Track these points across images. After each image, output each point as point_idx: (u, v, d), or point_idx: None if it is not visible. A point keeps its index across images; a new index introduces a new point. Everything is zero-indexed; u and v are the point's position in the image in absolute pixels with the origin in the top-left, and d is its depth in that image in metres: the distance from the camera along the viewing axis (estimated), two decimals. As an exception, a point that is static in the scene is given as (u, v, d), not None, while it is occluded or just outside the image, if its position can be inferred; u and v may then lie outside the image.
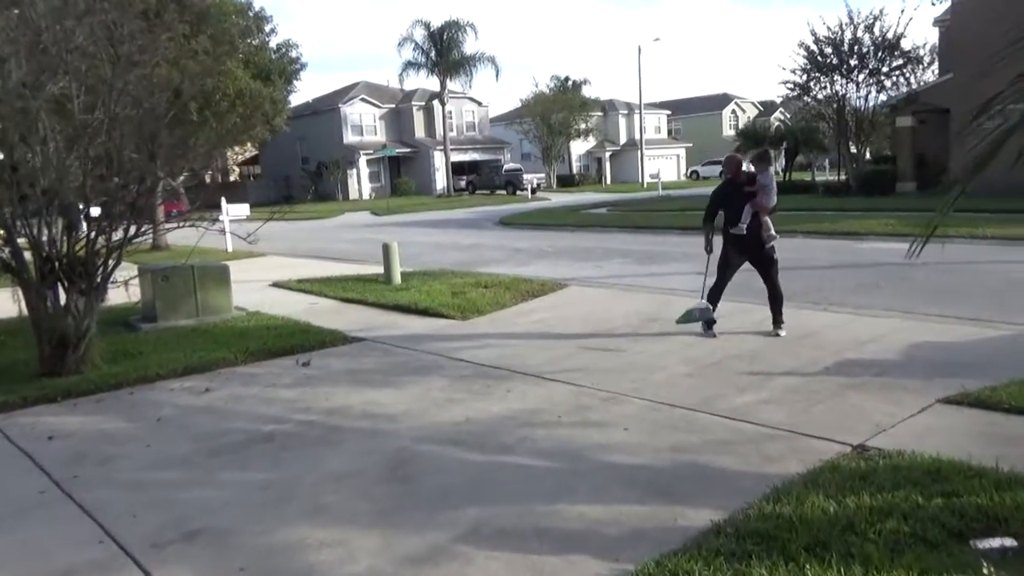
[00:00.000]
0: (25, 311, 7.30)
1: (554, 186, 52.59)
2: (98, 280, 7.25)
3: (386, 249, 12.22)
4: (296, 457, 4.79)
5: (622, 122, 60.40)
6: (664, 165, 55.86)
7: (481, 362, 6.93)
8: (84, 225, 7.29)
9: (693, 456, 4.41)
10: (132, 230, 7.44)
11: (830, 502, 3.49)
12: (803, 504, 3.48)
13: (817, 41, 28.21)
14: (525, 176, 45.90)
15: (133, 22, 6.41)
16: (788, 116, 46.01)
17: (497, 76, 62.48)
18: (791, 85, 29.88)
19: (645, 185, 48.91)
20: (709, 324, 7.50)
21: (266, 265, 16.26)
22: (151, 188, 7.83)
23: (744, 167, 7.82)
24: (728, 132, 62.21)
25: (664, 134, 63.87)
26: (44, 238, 6.96)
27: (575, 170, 57.78)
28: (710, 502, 3.71)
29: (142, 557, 3.50)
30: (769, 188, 7.40)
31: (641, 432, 4.85)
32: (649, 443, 4.64)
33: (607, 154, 59.93)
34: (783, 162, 37.66)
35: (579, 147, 58.07)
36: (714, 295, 7.56)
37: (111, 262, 7.33)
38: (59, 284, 7.13)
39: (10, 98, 6.33)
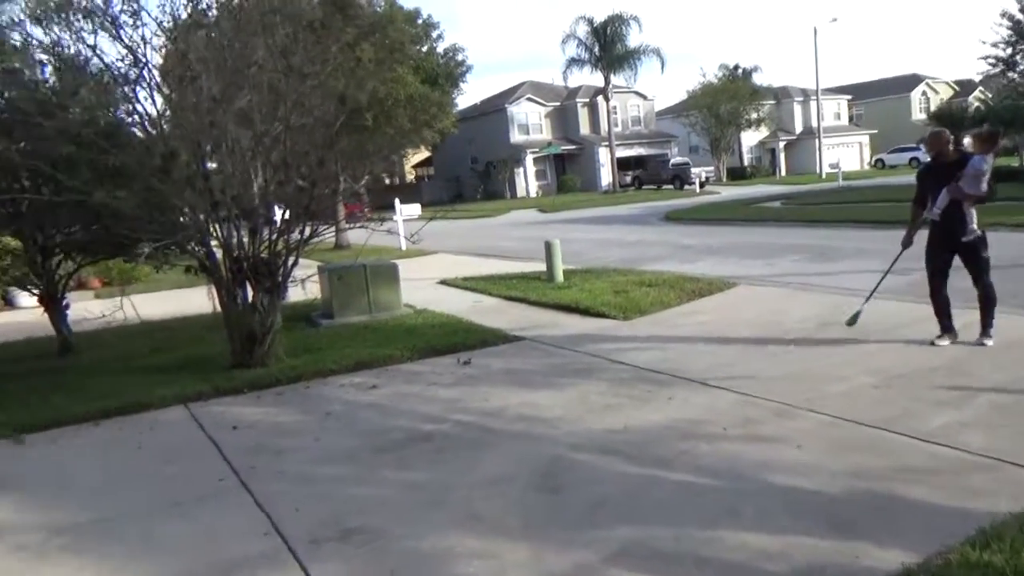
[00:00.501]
0: (219, 308, 7.96)
1: (724, 179, 50.57)
2: (280, 279, 7.75)
3: (548, 247, 12.18)
4: (452, 459, 4.80)
5: (797, 109, 56.91)
6: (844, 154, 51.94)
7: (642, 365, 6.67)
8: (267, 228, 7.81)
9: (878, 483, 3.91)
10: (308, 232, 7.89)
11: (1054, 551, 2.94)
12: (1020, 554, 2.95)
13: None
14: (693, 170, 44.50)
15: (304, 35, 6.75)
16: (989, 95, 41.18)
17: (662, 68, 61.43)
18: (992, 60, 26.69)
19: (824, 176, 45.71)
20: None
21: (435, 263, 16.82)
22: (331, 192, 8.26)
23: (964, 144, 6.87)
24: (918, 115, 56.79)
25: (844, 120, 59.43)
26: (233, 240, 7.54)
27: (746, 162, 55.20)
28: (899, 541, 3.25)
29: (302, 553, 3.62)
30: (980, 173, 6.41)
31: (817, 451, 4.40)
32: (826, 465, 4.19)
33: (781, 144, 56.70)
34: (986, 146, 33.67)
35: (750, 138, 55.42)
36: (933, 298, 6.74)
37: (291, 262, 7.81)
38: (247, 283, 7.69)
39: (202, 112, 6.88)
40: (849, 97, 60.04)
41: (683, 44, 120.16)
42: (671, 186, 44.83)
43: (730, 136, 51.47)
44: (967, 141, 6.87)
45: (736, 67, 53.75)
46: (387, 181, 50.63)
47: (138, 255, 8.76)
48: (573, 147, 51.15)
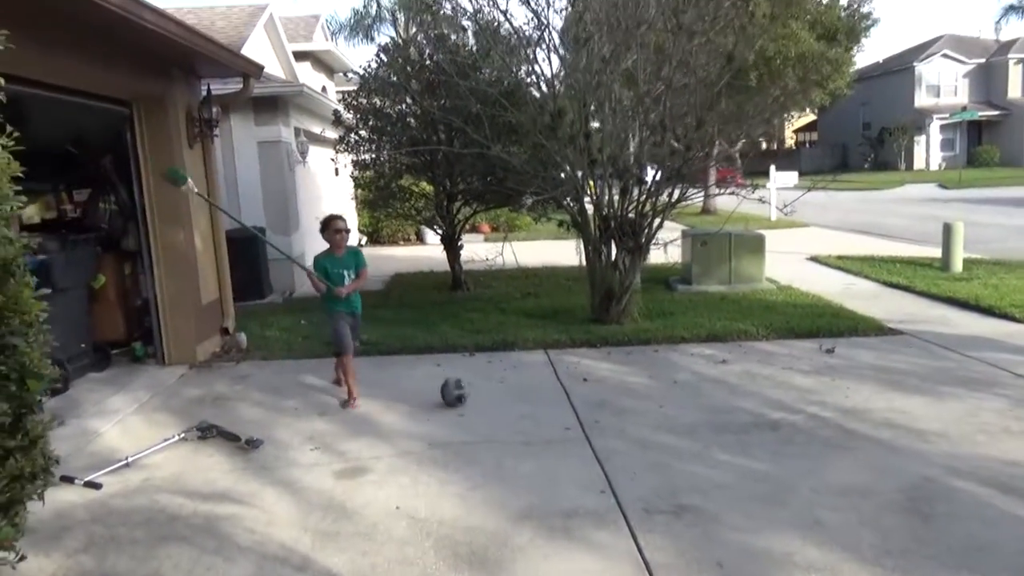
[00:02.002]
0: (584, 263, 8.37)
1: None
2: (643, 240, 7.85)
3: (947, 229, 10.53)
4: (800, 454, 4.43)
5: None
6: None
7: (1061, 389, 5.42)
8: (636, 189, 7.93)
9: None
10: (676, 195, 7.83)
11: None
12: None
13: None
14: None
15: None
16: None
17: None
18: None
19: None
20: None
21: (807, 237, 15.68)
22: (704, 154, 8.09)
23: None
24: None
25: None
26: (604, 199, 7.81)
27: None
28: None
29: (634, 519, 3.65)
30: None
31: None
32: None
33: None
34: None
35: None
36: None
37: (655, 224, 7.86)
38: (611, 241, 7.94)
39: (590, 73, 7.15)
40: None
41: None
42: None
43: None
44: None
45: None
46: (764, 146, 48.32)
47: (522, 206, 9.62)
48: (996, 113, 43.03)
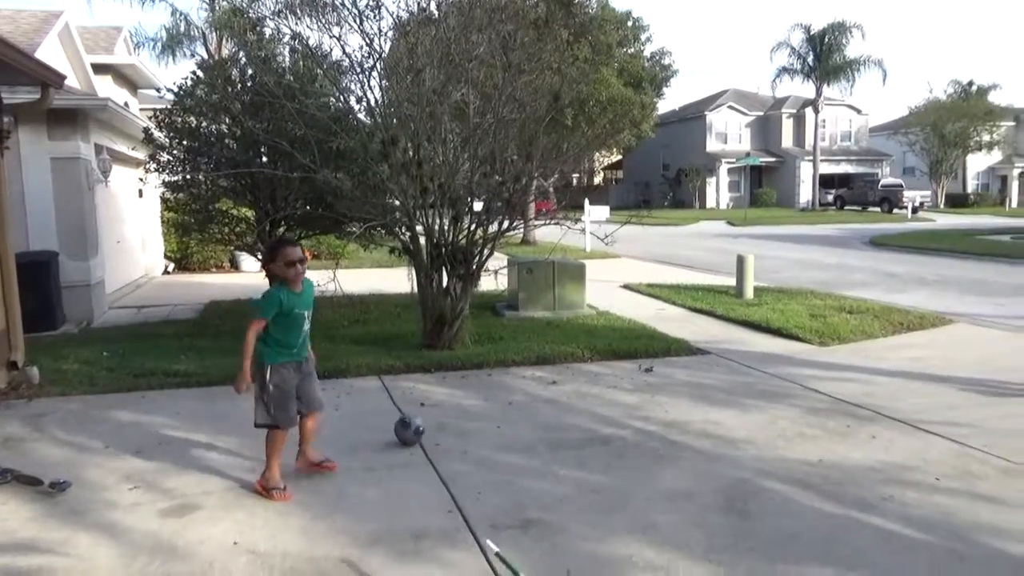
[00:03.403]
0: (415, 289, 8.38)
1: (941, 206, 46.02)
2: (474, 267, 8.02)
3: (740, 261, 11.69)
4: (631, 466, 4.71)
5: (1042, 133, 50.56)
6: (1098, 187, 45.45)
7: (840, 396, 6.20)
8: (467, 217, 8.11)
9: None
10: (506, 224, 8.10)
11: None
12: None
13: None
14: (906, 193, 40.77)
15: (525, 32, 6.92)
16: None
17: (884, 81, 56.87)
18: None
19: (1067, 210, 40.31)
20: None
21: (620, 267, 16.71)
22: (526, 187, 8.44)
23: None
24: None
25: (1101, 149, 51.93)
26: (436, 227, 7.90)
27: (970, 188, 49.88)
28: None
29: (482, 536, 3.69)
30: None
31: (1054, 521, 3.84)
32: (1066, 538, 3.65)
33: (1015, 171, 50.65)
34: None
35: (978, 162, 50.07)
36: None
37: (486, 252, 8.06)
38: (443, 268, 8.03)
39: (422, 104, 7.25)
40: (1108, 123, 52.35)
41: (909, 56, 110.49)
42: (878, 208, 41.46)
43: (954, 159, 46.77)
44: None
45: (970, 83, 48.76)
46: (575, 182, 50.97)
47: (350, 233, 9.46)
48: (772, 159, 48.75)
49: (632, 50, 21.28)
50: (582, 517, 3.92)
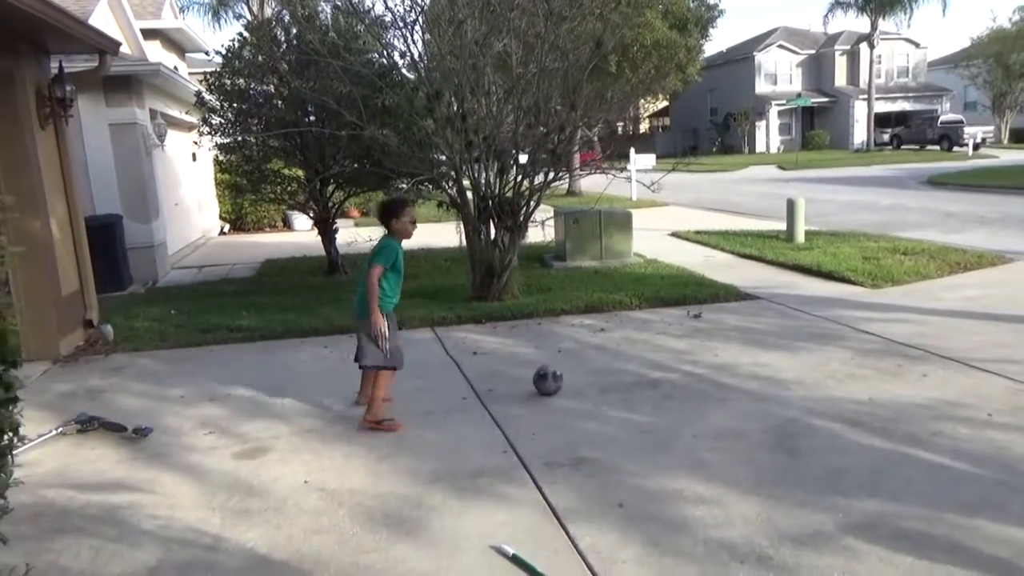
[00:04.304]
0: (464, 242, 8.53)
1: (1005, 141, 43.99)
2: (521, 219, 8.11)
3: (791, 205, 11.52)
4: (679, 407, 4.82)
5: (1119, 60, 47.62)
6: None
7: (891, 337, 6.17)
8: (513, 169, 8.17)
9: None
10: (551, 175, 8.14)
11: None
12: None
13: None
14: (967, 129, 39.03)
15: (567, -23, 6.86)
16: None
17: (944, 11, 53.95)
18: None
19: None
20: None
21: (667, 214, 16.59)
22: (571, 137, 8.45)
23: None
24: None
25: None
26: (482, 179, 7.99)
27: (1038, 122, 47.52)
28: None
29: (537, 473, 3.87)
30: None
31: (1109, 454, 3.84)
32: (1120, 470, 3.65)
33: (1088, 102, 47.95)
34: None
35: (1047, 94, 47.45)
36: None
37: (532, 203, 8.13)
38: (491, 221, 8.14)
39: (465, 56, 7.27)
40: None
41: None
42: (937, 147, 39.86)
43: (1019, 91, 44.43)
44: None
45: (1039, 8, 46.04)
46: (620, 130, 50.23)
47: (399, 189, 9.61)
48: (825, 99, 47.09)
49: (677, -9, 20.74)
50: (632, 455, 4.06)
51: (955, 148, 38.09)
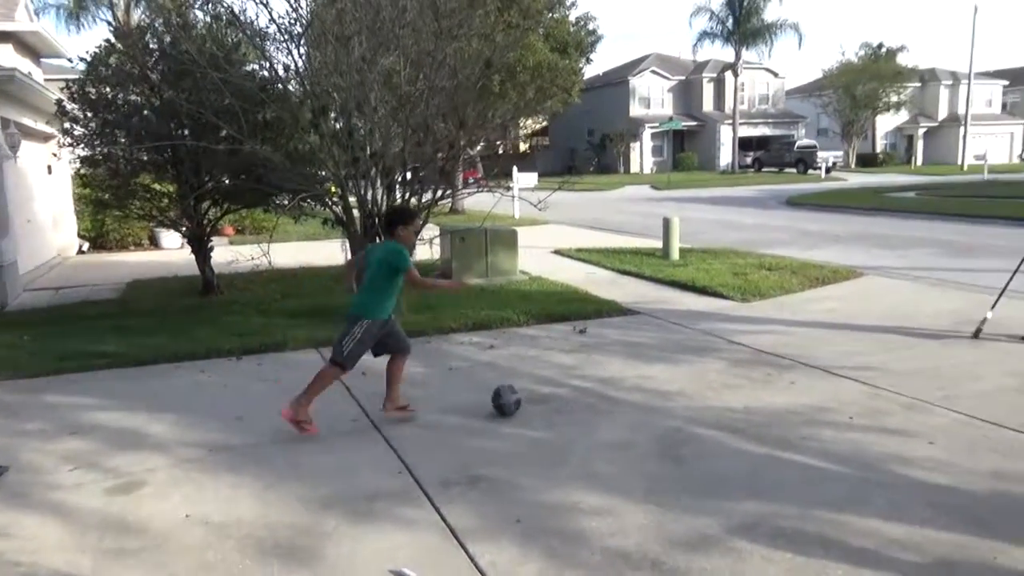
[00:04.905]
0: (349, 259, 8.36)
1: (852, 166, 48.03)
2: (408, 237, 8.04)
3: (666, 224, 12.05)
4: (571, 421, 4.92)
5: (943, 94, 53.10)
6: (993, 144, 48.12)
7: (761, 348, 6.57)
8: (399, 187, 8.11)
9: (1020, 487, 3.75)
10: (438, 193, 8.14)
11: None
12: None
13: None
14: (820, 153, 42.36)
15: (456, -2, 6.92)
16: None
17: (800, 44, 58.44)
18: None
19: (966, 167, 42.66)
20: None
21: (548, 233, 16.92)
22: (457, 155, 8.49)
23: None
24: (1085, 106, 51.74)
25: (997, 108, 54.93)
26: (368, 197, 7.88)
27: (879, 148, 52.19)
28: (1044, 546, 3.13)
29: (433, 493, 3.84)
30: None
31: (951, 449, 4.25)
32: (961, 463, 4.05)
33: (920, 131, 53.17)
34: None
35: (886, 122, 52.28)
36: None
37: (419, 221, 8.08)
38: (377, 238, 8.04)
39: (351, 72, 7.18)
40: (1005, 83, 55.21)
41: (824, 20, 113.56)
42: (794, 169, 42.96)
43: (864, 119, 48.69)
44: None
45: (880, 46, 50.67)
46: (501, 149, 50.79)
47: (280, 205, 9.33)
48: (694, 123, 49.79)
49: (558, 15, 21.32)
50: (528, 471, 4.11)
51: (810, 171, 41.19)
